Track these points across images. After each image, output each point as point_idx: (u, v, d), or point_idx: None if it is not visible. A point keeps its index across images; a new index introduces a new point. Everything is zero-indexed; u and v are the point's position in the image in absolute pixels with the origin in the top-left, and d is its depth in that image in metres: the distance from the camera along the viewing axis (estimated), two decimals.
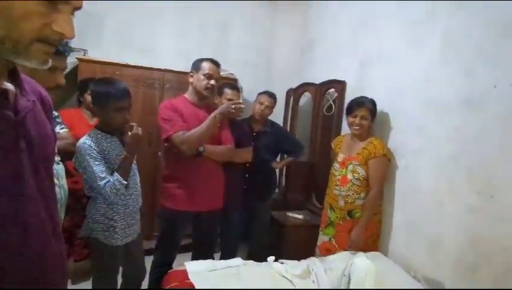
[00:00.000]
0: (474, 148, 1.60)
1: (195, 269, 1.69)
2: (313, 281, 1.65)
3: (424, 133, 1.90)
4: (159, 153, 2.70)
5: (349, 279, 1.26)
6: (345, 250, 2.00)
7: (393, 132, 2.14)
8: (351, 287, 1.23)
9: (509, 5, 1.48)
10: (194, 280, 1.57)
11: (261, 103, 2.47)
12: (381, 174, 2.04)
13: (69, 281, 2.23)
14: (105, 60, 2.61)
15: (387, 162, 2.07)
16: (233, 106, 1.88)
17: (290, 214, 2.78)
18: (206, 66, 1.91)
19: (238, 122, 2.47)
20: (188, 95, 1.99)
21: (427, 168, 1.87)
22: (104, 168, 1.49)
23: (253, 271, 1.73)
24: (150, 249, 2.06)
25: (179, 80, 2.73)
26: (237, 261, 1.82)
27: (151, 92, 2.75)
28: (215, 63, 1.96)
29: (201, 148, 1.85)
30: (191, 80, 1.96)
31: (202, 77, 1.90)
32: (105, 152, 1.53)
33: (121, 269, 1.74)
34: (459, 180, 1.67)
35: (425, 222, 1.86)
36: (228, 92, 2.22)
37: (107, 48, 2.85)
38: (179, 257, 2.08)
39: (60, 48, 1.16)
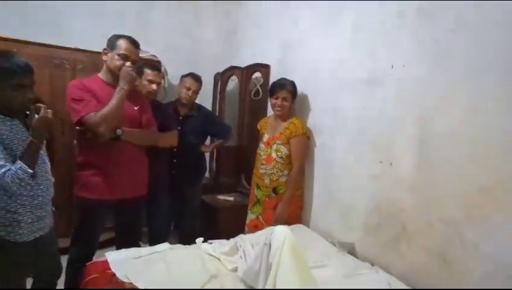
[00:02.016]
0: (376, 123, 1.81)
1: (117, 258, 1.60)
2: (241, 257, 1.70)
3: (337, 111, 2.08)
4: (75, 141, 2.46)
5: (270, 247, 1.34)
6: (271, 225, 2.11)
7: (312, 111, 2.29)
8: (271, 254, 1.31)
9: None
10: (116, 268, 1.49)
11: (188, 88, 2.38)
12: (301, 152, 2.18)
13: None
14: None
15: (306, 141, 2.22)
16: (130, 70, 1.73)
17: (220, 197, 2.82)
18: (122, 45, 1.74)
19: (162, 106, 2.37)
20: (102, 74, 1.81)
21: (340, 143, 2.05)
22: (2, 155, 1.30)
23: (180, 254, 1.71)
24: (67, 248, 1.88)
25: (93, 60, 2.49)
26: (163, 246, 1.77)
27: (60, 73, 2.47)
28: (134, 43, 1.79)
29: (118, 131, 1.72)
30: (104, 57, 1.78)
31: (117, 57, 1.74)
32: (4, 137, 1.33)
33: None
34: (365, 152, 1.87)
35: (340, 192, 2.06)
36: (148, 72, 2.10)
37: (2, 23, 2.46)
38: (102, 253, 1.93)
39: None
